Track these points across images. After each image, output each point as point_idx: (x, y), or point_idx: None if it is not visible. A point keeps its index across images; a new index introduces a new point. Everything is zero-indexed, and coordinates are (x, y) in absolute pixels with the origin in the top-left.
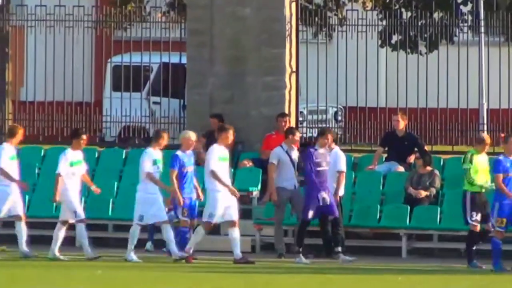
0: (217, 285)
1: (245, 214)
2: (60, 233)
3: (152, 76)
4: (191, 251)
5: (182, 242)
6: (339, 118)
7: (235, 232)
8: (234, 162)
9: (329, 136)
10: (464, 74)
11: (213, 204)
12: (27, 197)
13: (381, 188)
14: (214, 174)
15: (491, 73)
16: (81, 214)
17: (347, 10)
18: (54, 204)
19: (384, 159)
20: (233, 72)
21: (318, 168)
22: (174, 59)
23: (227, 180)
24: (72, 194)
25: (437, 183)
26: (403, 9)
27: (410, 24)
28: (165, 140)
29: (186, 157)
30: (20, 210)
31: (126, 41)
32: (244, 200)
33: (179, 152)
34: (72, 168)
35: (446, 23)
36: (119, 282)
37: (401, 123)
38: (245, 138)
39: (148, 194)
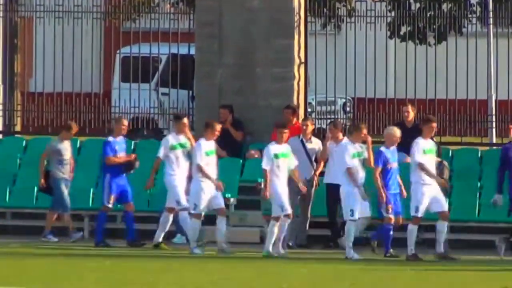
0: (226, 275)
1: (253, 205)
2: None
3: (160, 67)
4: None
5: (385, 240)
6: (348, 109)
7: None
8: (243, 153)
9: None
10: (472, 65)
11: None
12: (35, 188)
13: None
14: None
15: (500, 64)
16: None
17: (355, 1)
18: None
19: None
20: (241, 63)
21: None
22: (183, 50)
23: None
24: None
25: (446, 174)
26: (411, 0)
27: (419, 15)
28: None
29: (390, 153)
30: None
31: (135, 32)
32: (253, 192)
33: (383, 149)
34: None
35: (455, 14)
36: (128, 272)
37: (410, 114)
38: (254, 129)
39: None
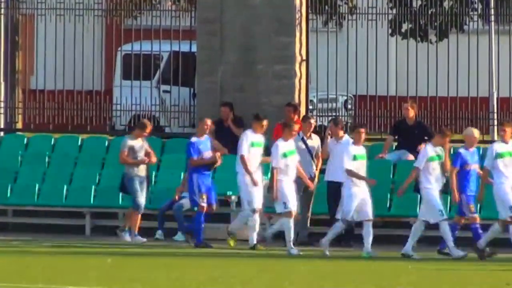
0: (227, 272)
1: None
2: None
3: (162, 64)
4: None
5: (476, 237)
6: (349, 106)
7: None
8: None
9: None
10: (474, 63)
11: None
12: (37, 185)
13: (391, 176)
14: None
15: (501, 62)
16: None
17: None
18: (64, 193)
19: (394, 148)
20: (243, 60)
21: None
22: (184, 47)
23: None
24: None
25: (447, 171)
26: None
27: (420, 12)
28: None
29: (469, 154)
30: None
31: (136, 30)
32: None
33: (462, 150)
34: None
35: (456, 12)
36: (129, 269)
37: (411, 112)
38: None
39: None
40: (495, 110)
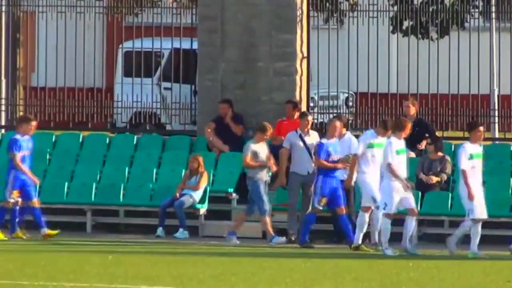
0: (229, 269)
1: None
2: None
3: (163, 61)
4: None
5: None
6: (350, 103)
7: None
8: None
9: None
10: (475, 60)
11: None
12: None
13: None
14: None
15: (502, 59)
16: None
17: None
18: (65, 190)
19: None
20: (244, 57)
21: None
22: (185, 44)
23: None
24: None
25: (448, 169)
26: None
27: (421, 9)
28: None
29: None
30: None
31: (137, 27)
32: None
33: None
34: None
35: (457, 9)
36: (131, 266)
37: (412, 109)
38: (256, 124)
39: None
40: (496, 107)
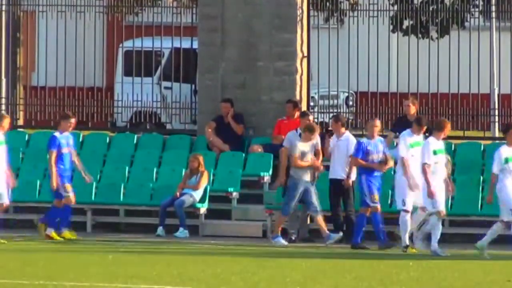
0: (229, 268)
1: (256, 199)
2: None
3: (163, 61)
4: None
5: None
6: (350, 103)
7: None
8: (245, 147)
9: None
10: (475, 59)
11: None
12: (38, 182)
13: (392, 173)
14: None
15: (503, 58)
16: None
17: None
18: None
19: (395, 144)
20: (244, 57)
21: None
22: (186, 44)
23: None
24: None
25: (449, 168)
26: None
27: (421, 9)
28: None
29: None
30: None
31: (137, 26)
32: (255, 185)
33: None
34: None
35: (458, 8)
36: (131, 266)
37: (412, 108)
38: (256, 123)
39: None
40: (496, 107)
